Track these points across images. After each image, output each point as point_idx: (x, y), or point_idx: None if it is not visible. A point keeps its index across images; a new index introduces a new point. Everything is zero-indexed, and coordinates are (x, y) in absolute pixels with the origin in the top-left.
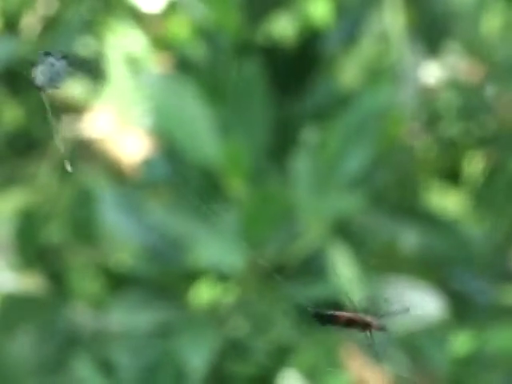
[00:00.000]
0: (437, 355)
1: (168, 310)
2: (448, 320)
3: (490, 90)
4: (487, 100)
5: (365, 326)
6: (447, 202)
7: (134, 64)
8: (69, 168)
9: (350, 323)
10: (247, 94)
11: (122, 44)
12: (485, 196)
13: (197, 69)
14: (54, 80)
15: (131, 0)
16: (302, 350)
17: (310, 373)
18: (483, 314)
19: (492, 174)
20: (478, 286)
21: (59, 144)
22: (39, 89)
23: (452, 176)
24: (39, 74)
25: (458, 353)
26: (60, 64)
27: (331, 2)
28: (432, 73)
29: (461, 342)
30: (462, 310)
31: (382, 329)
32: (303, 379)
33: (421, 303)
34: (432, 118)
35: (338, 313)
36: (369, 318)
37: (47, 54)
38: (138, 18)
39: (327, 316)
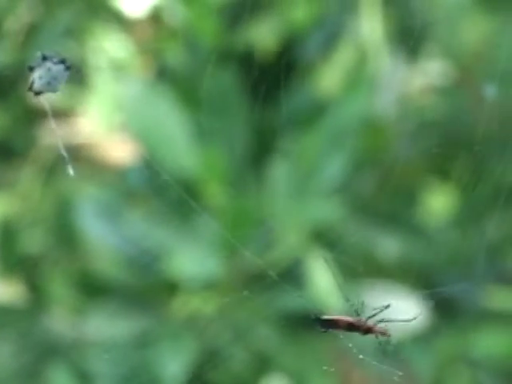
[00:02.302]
0: (420, 359)
1: (146, 319)
2: (431, 325)
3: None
4: (469, 105)
5: (366, 330)
6: (433, 206)
7: (117, 69)
8: (71, 171)
9: (351, 328)
10: (224, 101)
11: (106, 49)
12: (471, 201)
13: (174, 75)
14: (52, 84)
15: (115, 5)
16: (286, 357)
17: (296, 380)
18: (469, 318)
19: (479, 178)
20: (464, 290)
21: (60, 147)
22: (36, 93)
23: (438, 181)
24: (37, 79)
25: (444, 357)
26: (57, 68)
27: (310, 9)
28: (412, 79)
29: (446, 346)
30: (448, 314)
31: (383, 333)
32: None
33: (402, 310)
34: (415, 125)
35: (339, 317)
36: (370, 323)
37: (45, 58)
38: (122, 23)
39: (328, 321)
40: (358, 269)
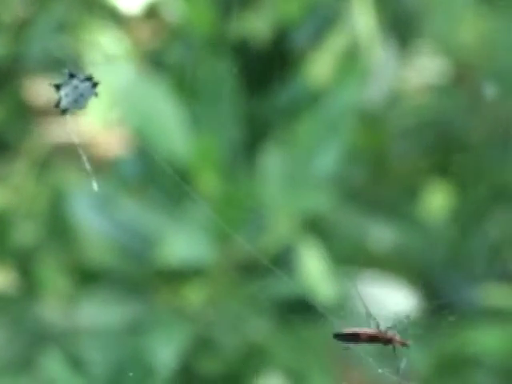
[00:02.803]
0: (415, 354)
1: (138, 306)
2: (424, 318)
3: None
4: (464, 102)
5: (387, 341)
6: (430, 202)
7: (112, 64)
8: (95, 186)
9: (373, 340)
10: (218, 89)
11: (101, 44)
12: (469, 198)
13: (168, 65)
14: (78, 102)
15: (110, 1)
16: (278, 344)
17: (292, 370)
18: (467, 316)
19: (476, 177)
20: (462, 286)
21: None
22: (63, 111)
23: (435, 176)
24: (63, 96)
25: (442, 354)
26: (84, 86)
27: None
28: (404, 72)
29: (443, 342)
30: (445, 309)
31: (403, 343)
32: (283, 378)
33: (393, 300)
34: (410, 119)
35: (359, 330)
36: (390, 334)
37: (71, 75)
38: (118, 18)
39: (349, 335)
40: (349, 258)
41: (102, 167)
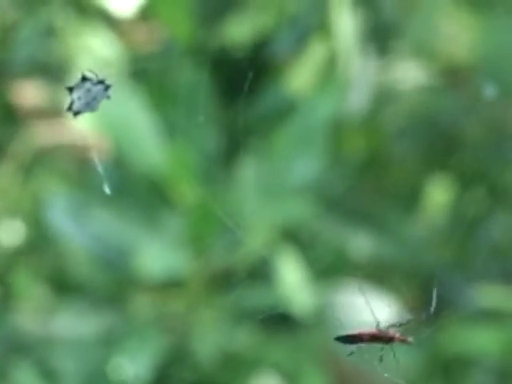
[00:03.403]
0: (413, 355)
1: (114, 317)
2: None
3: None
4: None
5: (388, 340)
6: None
7: (99, 69)
8: (107, 190)
9: (374, 339)
10: (194, 98)
11: (88, 48)
12: (466, 200)
13: (145, 73)
14: (91, 105)
15: (101, 4)
16: (259, 355)
17: (285, 376)
18: (465, 315)
19: (473, 178)
20: (460, 287)
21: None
22: (75, 114)
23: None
24: (76, 100)
25: (439, 353)
26: (97, 89)
27: (282, 7)
28: (386, 77)
29: (441, 343)
30: (440, 311)
31: (404, 341)
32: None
33: (375, 308)
34: (395, 123)
35: (361, 331)
36: (391, 333)
37: (84, 78)
38: (106, 22)
39: (351, 336)
40: (329, 267)
41: (84, 169)
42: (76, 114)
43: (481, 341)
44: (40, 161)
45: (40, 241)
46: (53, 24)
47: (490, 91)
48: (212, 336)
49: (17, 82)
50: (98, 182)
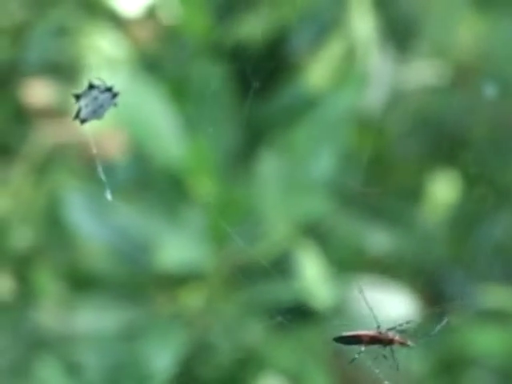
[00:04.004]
0: (416, 355)
1: (135, 312)
2: (423, 320)
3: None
4: (463, 104)
5: (388, 342)
6: (429, 203)
7: (110, 68)
8: (109, 196)
9: (374, 341)
10: (214, 94)
11: (99, 48)
12: (468, 200)
13: (163, 69)
14: (97, 112)
15: (110, 3)
16: (275, 350)
17: (291, 374)
18: (468, 315)
19: (475, 178)
20: (463, 287)
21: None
22: (82, 121)
23: (434, 178)
24: (83, 107)
25: (442, 354)
26: (104, 97)
27: (300, 2)
28: (403, 75)
29: (444, 344)
30: (444, 311)
31: (403, 343)
32: (283, 381)
33: (392, 304)
34: (409, 123)
35: (361, 332)
36: (391, 335)
37: (91, 86)
38: (117, 22)
39: (350, 337)
40: (347, 262)
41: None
42: (83, 121)
43: (484, 341)
44: (52, 160)
45: (58, 238)
46: (63, 24)
47: (494, 91)
48: (232, 331)
49: (28, 82)
50: (116, 176)
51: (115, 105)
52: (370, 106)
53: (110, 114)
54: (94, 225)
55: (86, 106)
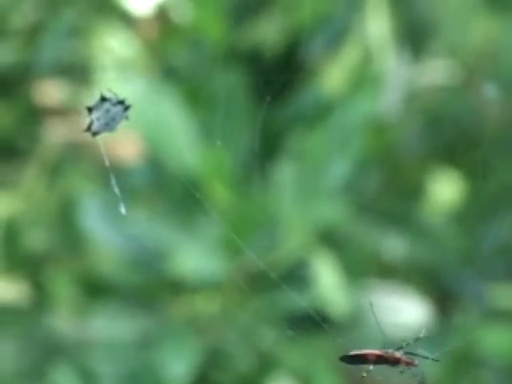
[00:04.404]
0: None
1: (150, 319)
2: (436, 324)
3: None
4: (477, 103)
5: (394, 361)
6: (439, 204)
7: (122, 69)
8: (123, 210)
9: (380, 360)
10: (230, 99)
11: (111, 48)
12: (478, 199)
13: (179, 75)
14: (109, 125)
15: (121, 3)
16: (290, 357)
17: (301, 380)
18: (475, 316)
19: (486, 176)
20: (473, 288)
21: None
22: (94, 134)
23: (445, 179)
24: (95, 120)
25: (452, 355)
26: (116, 110)
27: (316, 7)
28: (419, 77)
29: (454, 344)
30: (454, 312)
31: (410, 363)
32: None
33: (407, 310)
34: (424, 122)
35: (366, 351)
36: (398, 354)
37: (103, 99)
38: (128, 21)
39: (356, 356)
40: (362, 269)
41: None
42: (95, 134)
43: (493, 341)
44: (65, 161)
45: (72, 242)
46: (76, 25)
47: (504, 91)
48: (246, 338)
49: (40, 83)
50: (131, 183)
51: (127, 118)
52: (385, 108)
53: (126, 120)
54: (109, 231)
55: (98, 118)
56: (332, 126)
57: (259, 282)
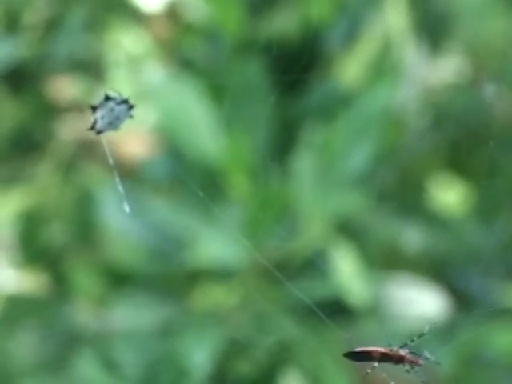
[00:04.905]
0: (439, 354)
1: (170, 308)
2: (450, 319)
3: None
4: (488, 101)
5: (398, 359)
6: (450, 200)
7: (135, 64)
8: (127, 208)
9: (384, 358)
10: (249, 91)
11: (124, 44)
12: (487, 196)
13: (198, 67)
14: (113, 124)
15: (132, 1)
16: (305, 349)
17: (313, 372)
18: (486, 314)
19: (494, 174)
20: (482, 286)
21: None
22: (98, 132)
23: (455, 175)
24: (99, 119)
25: (460, 353)
26: (120, 108)
27: None
28: (435, 73)
29: (462, 342)
30: (464, 309)
31: (414, 362)
32: (305, 379)
33: (423, 301)
34: (435, 118)
35: (371, 348)
36: (402, 352)
37: (107, 98)
38: (140, 18)
39: (361, 353)
40: (380, 260)
41: (129, 168)
42: (99, 132)
43: (501, 339)
44: (80, 155)
45: (90, 234)
46: (88, 21)
47: None
48: (267, 328)
49: (55, 78)
50: (150, 173)
51: (131, 116)
52: (402, 101)
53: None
54: (129, 221)
55: (102, 117)
56: (350, 116)
57: (280, 271)
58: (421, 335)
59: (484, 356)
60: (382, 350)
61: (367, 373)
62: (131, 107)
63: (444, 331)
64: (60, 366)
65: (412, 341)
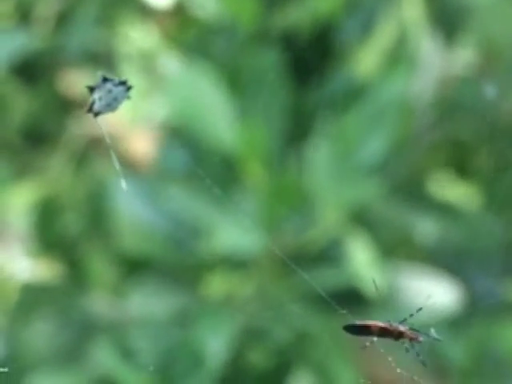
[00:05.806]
0: (450, 349)
1: (185, 297)
2: (461, 312)
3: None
4: (496, 95)
5: (398, 335)
6: (457, 194)
7: (146, 58)
8: (124, 185)
9: (383, 333)
10: (265, 81)
11: (135, 38)
12: (494, 191)
13: (214, 58)
14: (111, 105)
15: None
16: (316, 339)
17: (321, 364)
18: (494, 310)
19: (501, 169)
20: (494, 279)
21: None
22: (95, 114)
23: (461, 170)
24: (97, 100)
25: (469, 349)
26: (118, 90)
27: None
28: (448, 65)
29: (471, 338)
30: (476, 302)
31: (414, 338)
32: (313, 371)
33: (436, 293)
34: (445, 111)
35: (371, 323)
36: (402, 328)
37: (105, 79)
38: (150, 12)
39: (360, 327)
40: (394, 250)
41: (141, 164)
42: (96, 114)
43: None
44: (91, 148)
45: (105, 223)
46: (100, 14)
47: None
48: (282, 316)
49: (67, 71)
50: (166, 162)
51: (129, 98)
52: (418, 92)
53: (161, 103)
54: (145, 211)
55: (100, 98)
56: (366, 106)
57: (294, 260)
58: (419, 309)
59: (494, 350)
60: (382, 324)
61: (365, 346)
62: (129, 88)
63: (455, 323)
64: (76, 354)
65: (411, 315)
